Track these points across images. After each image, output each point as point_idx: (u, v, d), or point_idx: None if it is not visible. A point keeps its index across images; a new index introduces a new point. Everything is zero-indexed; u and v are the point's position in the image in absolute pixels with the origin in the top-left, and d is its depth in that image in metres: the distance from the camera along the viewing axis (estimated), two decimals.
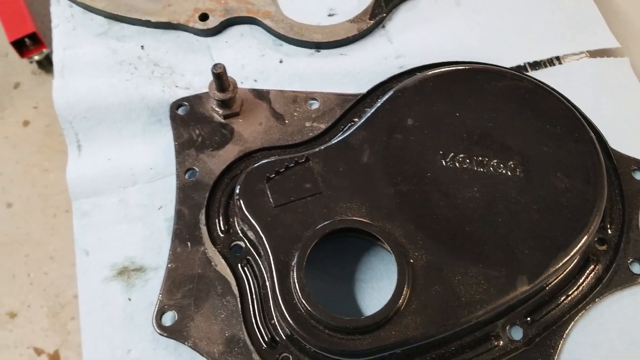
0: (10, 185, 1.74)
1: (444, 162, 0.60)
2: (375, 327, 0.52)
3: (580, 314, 0.59)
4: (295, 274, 0.53)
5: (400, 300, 0.52)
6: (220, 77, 0.63)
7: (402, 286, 0.53)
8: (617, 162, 0.65)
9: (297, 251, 0.54)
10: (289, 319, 0.53)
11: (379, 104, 0.63)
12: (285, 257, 0.55)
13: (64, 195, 1.70)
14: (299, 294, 0.52)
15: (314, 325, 0.53)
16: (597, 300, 0.59)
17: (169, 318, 0.59)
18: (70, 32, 0.78)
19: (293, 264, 0.54)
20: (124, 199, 0.68)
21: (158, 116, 0.72)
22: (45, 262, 1.63)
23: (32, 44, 1.71)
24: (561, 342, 0.57)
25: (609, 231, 0.62)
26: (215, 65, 0.63)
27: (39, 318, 1.55)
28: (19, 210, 1.70)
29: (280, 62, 0.75)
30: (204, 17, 0.77)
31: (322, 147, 0.60)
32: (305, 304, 0.52)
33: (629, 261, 0.61)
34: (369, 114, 0.62)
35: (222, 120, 0.68)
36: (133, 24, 0.78)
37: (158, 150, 0.70)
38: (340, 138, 0.61)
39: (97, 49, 0.76)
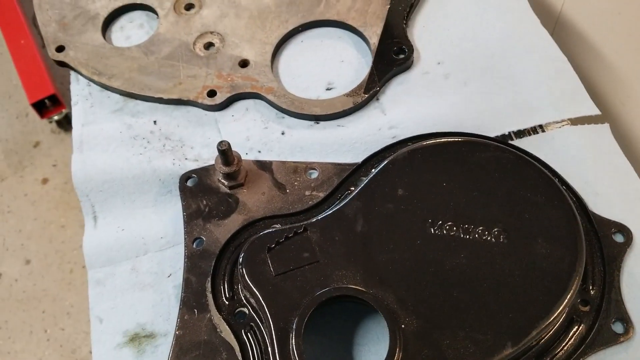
0: (28, 242, 1.81)
1: (432, 230, 0.64)
2: None
3: None
4: (293, 340, 0.57)
5: None
6: (225, 153, 0.69)
7: (394, 350, 0.57)
8: (598, 226, 0.68)
9: (296, 318, 0.58)
10: None
11: (371, 176, 0.68)
12: (284, 324, 0.59)
13: (80, 251, 1.76)
14: (297, 357, 0.56)
15: None
16: None
17: None
18: (88, 109, 0.85)
19: (292, 330, 0.58)
20: (135, 267, 0.73)
21: (169, 187, 0.77)
22: (61, 317, 1.67)
23: (52, 104, 1.80)
24: None
25: (592, 292, 0.65)
26: (220, 143, 0.68)
27: None
28: (36, 266, 1.75)
29: (282, 133, 0.81)
30: (212, 93, 0.83)
31: (319, 217, 0.65)
32: None
33: (611, 321, 0.64)
34: (362, 186, 0.67)
35: (228, 191, 0.74)
36: (146, 101, 0.85)
37: (168, 220, 0.75)
38: (336, 208, 0.66)
39: (113, 125, 0.83)
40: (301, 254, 0.63)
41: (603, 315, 0.64)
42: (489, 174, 0.67)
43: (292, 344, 0.57)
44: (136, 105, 0.85)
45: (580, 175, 0.74)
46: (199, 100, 0.83)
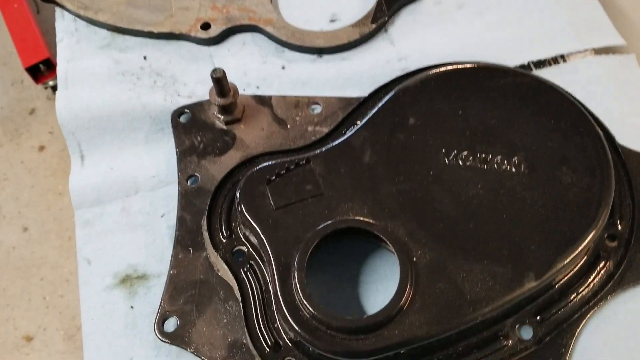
0: (26, 209, 1.76)
1: (446, 160, 0.59)
2: (378, 327, 0.51)
3: (592, 312, 0.57)
4: (296, 274, 0.52)
5: (403, 299, 0.51)
6: (220, 82, 0.64)
7: (404, 285, 0.52)
8: (626, 158, 0.63)
9: (298, 252, 0.53)
10: (291, 321, 0.52)
11: (380, 105, 0.63)
12: (286, 259, 0.54)
13: None
14: (300, 295, 0.51)
15: (317, 326, 0.51)
16: (609, 297, 0.57)
17: (171, 324, 0.59)
18: (74, 45, 0.79)
19: (294, 265, 0.53)
20: (126, 207, 0.68)
21: (160, 125, 0.72)
22: (60, 285, 1.63)
23: (47, 69, 1.74)
24: (573, 340, 0.56)
25: (619, 227, 0.60)
26: (214, 70, 0.63)
27: (55, 341, 1.55)
28: (34, 234, 1.71)
29: (283, 68, 0.75)
30: (205, 26, 0.78)
31: (323, 149, 0.60)
32: (307, 305, 0.51)
33: None
34: (370, 115, 0.62)
35: (224, 127, 0.68)
36: (136, 36, 0.79)
37: (160, 159, 0.70)
38: (342, 139, 0.60)
39: (100, 61, 0.77)
40: (303, 187, 0.57)
41: (632, 251, 0.59)
42: (508, 101, 0.62)
43: (294, 279, 0.52)
44: (125, 41, 0.79)
45: (604, 107, 0.68)
46: (192, 34, 0.77)
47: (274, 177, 0.58)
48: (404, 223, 0.55)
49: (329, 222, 0.55)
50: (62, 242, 1.70)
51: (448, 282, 0.52)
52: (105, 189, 0.69)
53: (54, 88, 1.86)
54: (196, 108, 0.70)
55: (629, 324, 0.57)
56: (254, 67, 0.76)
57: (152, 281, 0.63)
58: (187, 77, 0.76)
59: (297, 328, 0.51)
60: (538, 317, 0.56)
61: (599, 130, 0.60)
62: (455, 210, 0.56)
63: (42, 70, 1.74)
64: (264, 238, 0.55)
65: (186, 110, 0.70)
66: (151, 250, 0.65)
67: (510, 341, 0.55)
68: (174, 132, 0.69)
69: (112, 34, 0.80)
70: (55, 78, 1.82)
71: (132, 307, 0.62)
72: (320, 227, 0.54)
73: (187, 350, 0.57)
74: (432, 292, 0.52)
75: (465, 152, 0.59)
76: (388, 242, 0.54)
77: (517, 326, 0.56)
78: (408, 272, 0.52)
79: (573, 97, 0.65)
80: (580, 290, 0.57)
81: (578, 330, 0.56)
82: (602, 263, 0.58)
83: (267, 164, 0.59)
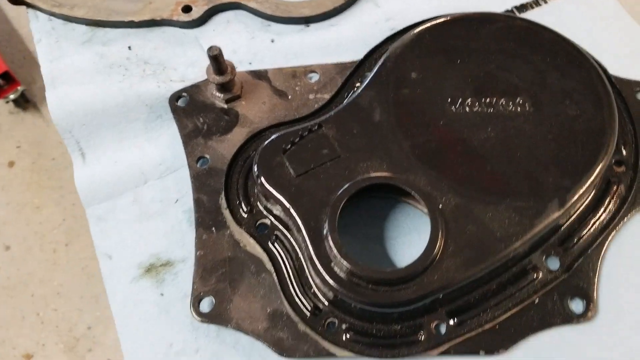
0: (4, 227, 1.72)
1: (453, 109, 0.60)
2: (417, 274, 0.52)
3: (612, 235, 0.59)
4: (330, 235, 0.53)
5: (437, 245, 0.53)
6: (217, 59, 0.63)
7: (436, 231, 0.53)
8: (620, 87, 0.65)
9: (327, 214, 0.54)
10: (330, 281, 0.53)
11: (381, 63, 0.63)
12: (315, 223, 0.55)
13: (61, 229, 1.69)
14: (337, 254, 0.52)
15: (357, 282, 0.52)
16: (625, 219, 0.60)
17: (206, 304, 0.59)
18: (53, 44, 0.77)
19: (325, 227, 0.54)
20: (137, 198, 0.67)
21: (157, 112, 0.71)
22: (52, 298, 1.61)
23: (6, 83, 1.69)
24: (599, 264, 0.58)
25: (624, 153, 0.62)
26: (210, 48, 0.62)
27: (56, 355, 1.53)
28: (17, 251, 1.67)
29: (272, 41, 0.75)
30: (187, 9, 0.77)
31: (333, 113, 0.60)
32: (346, 263, 0.52)
33: None
34: (373, 74, 0.62)
35: (224, 105, 0.68)
36: (116, 27, 0.78)
37: (164, 146, 0.70)
38: (349, 101, 0.61)
39: (83, 57, 0.76)
40: (320, 151, 0.58)
41: None
42: (503, 45, 0.63)
43: (328, 240, 0.53)
44: (106, 34, 0.78)
45: (589, 42, 0.70)
46: (174, 18, 0.76)
47: (289, 146, 0.58)
48: (424, 174, 0.56)
49: (354, 181, 0.55)
50: (47, 255, 1.67)
51: (476, 223, 0.54)
52: (113, 183, 0.68)
53: (15, 101, 1.81)
54: (193, 90, 0.69)
55: None
56: (243, 44, 0.75)
57: (178, 267, 0.63)
58: (176, 62, 0.75)
59: (338, 287, 0.52)
60: (562, 247, 0.58)
61: (594, 63, 0.62)
62: (471, 155, 0.57)
63: (1, 84, 1.69)
64: (289, 207, 0.56)
65: (183, 94, 0.69)
66: (171, 236, 0.65)
67: (540, 273, 0.57)
68: (174, 116, 0.68)
69: (92, 29, 0.78)
70: (16, 90, 1.78)
71: (162, 294, 0.62)
72: (345, 187, 0.55)
73: (227, 327, 0.58)
74: (463, 235, 0.53)
75: (470, 100, 0.60)
76: (414, 194, 0.55)
77: (544, 258, 0.58)
78: (437, 219, 0.53)
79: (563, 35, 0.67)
80: (598, 216, 0.59)
81: (602, 253, 0.58)
82: (614, 188, 0.61)
83: (279, 133, 0.59)
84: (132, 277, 0.63)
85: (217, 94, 0.67)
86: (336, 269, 0.53)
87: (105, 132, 0.70)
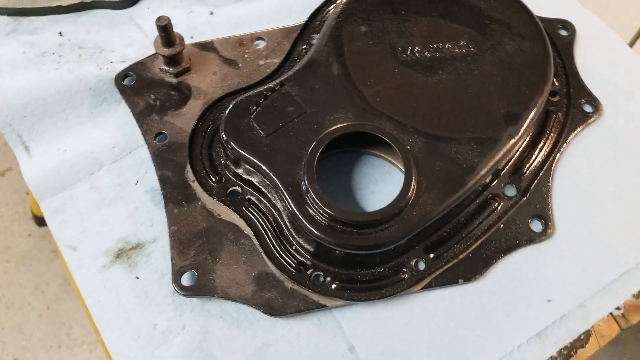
0: None
1: (405, 57, 0.63)
2: (398, 213, 0.54)
3: (557, 158, 0.65)
4: (310, 187, 0.54)
5: (412, 183, 0.55)
6: (167, 30, 0.62)
7: (410, 170, 0.56)
8: (545, 25, 0.71)
9: (305, 167, 0.55)
10: (316, 232, 0.54)
11: (330, 21, 0.65)
12: (292, 178, 0.56)
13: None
14: (320, 203, 0.53)
15: (341, 229, 0.54)
16: (566, 143, 0.66)
17: (188, 278, 0.58)
18: None
19: (304, 180, 0.55)
20: (94, 185, 0.65)
21: (102, 95, 0.68)
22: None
23: None
24: (550, 185, 0.63)
25: (557, 84, 0.68)
26: (159, 18, 0.61)
27: None
28: None
29: (211, 14, 0.74)
30: None
31: (292, 72, 0.61)
32: (330, 211, 0.53)
33: (581, 103, 0.68)
34: (324, 32, 0.64)
35: (174, 80, 0.67)
36: (42, 14, 0.74)
37: (114, 128, 0.67)
38: (307, 58, 0.62)
39: (10, 48, 0.71)
40: (286, 109, 0.59)
41: (573, 100, 0.68)
42: None
43: (310, 192, 0.54)
44: (31, 22, 0.74)
45: None
46: None
47: (255, 107, 0.58)
48: (388, 119, 0.59)
49: (326, 132, 0.57)
50: None
51: (443, 159, 0.57)
52: (64, 173, 0.64)
53: None
54: (139, 68, 0.68)
55: (588, 157, 0.66)
56: (182, 19, 0.74)
57: (150, 247, 0.62)
58: (113, 43, 0.73)
59: (324, 237, 0.53)
60: (517, 175, 0.63)
61: (522, 2, 0.67)
62: (428, 98, 0.60)
63: None
64: (263, 166, 0.56)
65: (129, 72, 0.67)
66: (137, 218, 0.63)
67: (501, 201, 0.62)
68: (123, 96, 0.66)
69: (15, 19, 0.74)
70: None
71: (137, 277, 0.60)
72: (319, 138, 0.56)
73: (214, 297, 0.57)
74: (433, 171, 0.56)
75: (418, 47, 0.64)
76: (384, 138, 0.57)
77: (502, 186, 0.62)
78: (409, 159, 0.56)
79: None
80: (543, 142, 0.65)
81: (551, 176, 0.64)
82: (553, 116, 0.66)
83: (243, 97, 0.59)
84: (102, 265, 0.61)
85: (166, 68, 0.66)
86: (319, 218, 0.54)
87: (48, 122, 0.67)
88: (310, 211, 0.54)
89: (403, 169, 0.56)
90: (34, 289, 1.55)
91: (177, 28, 0.73)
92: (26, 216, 1.65)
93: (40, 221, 1.60)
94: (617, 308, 0.59)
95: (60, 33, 0.73)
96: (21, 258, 1.59)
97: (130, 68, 0.67)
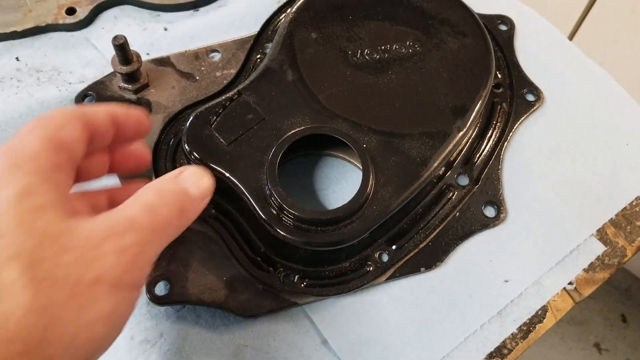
0: None
1: (355, 60, 0.66)
2: (358, 208, 0.57)
3: (504, 146, 0.69)
4: (273, 190, 0.56)
5: (370, 179, 0.58)
6: (124, 48, 0.64)
7: (367, 167, 0.59)
8: (485, 21, 0.75)
9: (267, 171, 0.57)
10: (282, 233, 0.56)
11: (282, 29, 0.67)
12: (255, 183, 0.58)
13: None
14: (284, 205, 0.56)
15: (307, 228, 0.56)
16: (512, 131, 0.70)
17: (161, 288, 0.60)
18: None
19: (267, 183, 0.57)
20: None
21: None
22: None
23: None
24: (499, 172, 0.67)
25: (499, 76, 0.72)
26: (115, 37, 0.63)
27: None
28: None
29: (165, 29, 0.76)
30: (71, 11, 0.75)
31: (248, 81, 0.63)
32: (295, 212, 0.56)
33: (524, 93, 0.72)
34: (277, 40, 0.66)
35: (134, 97, 0.69)
36: None
37: None
38: (262, 67, 0.64)
39: None
40: (245, 117, 0.61)
41: (516, 91, 0.72)
42: None
43: (273, 194, 0.56)
44: None
45: None
46: (60, 22, 0.75)
47: (215, 118, 0.60)
48: (343, 120, 0.61)
49: (285, 136, 0.59)
50: None
51: (398, 154, 0.60)
52: None
53: None
54: (98, 87, 0.69)
55: (534, 143, 0.70)
56: (137, 37, 0.76)
57: None
58: (70, 65, 0.74)
59: (291, 237, 0.56)
60: (468, 165, 0.67)
61: (462, 1, 0.71)
62: (380, 97, 0.64)
63: None
64: (227, 173, 0.58)
65: (89, 92, 0.69)
66: None
67: (456, 191, 0.65)
68: None
69: None
70: None
71: None
72: (279, 142, 0.59)
73: (188, 304, 0.59)
74: (389, 167, 0.59)
75: (367, 49, 0.67)
76: (341, 138, 0.60)
77: (455, 176, 0.66)
78: (366, 156, 0.59)
79: None
80: (491, 132, 0.69)
81: (500, 164, 0.68)
82: (499, 107, 0.70)
83: (202, 108, 0.61)
84: None
85: (125, 85, 0.68)
86: (285, 219, 0.57)
87: None
88: (275, 213, 0.57)
89: (361, 167, 0.59)
90: None
91: (133, 45, 0.74)
92: None
93: None
94: (570, 283, 0.63)
95: (17, 58, 0.73)
96: None
97: (89, 88, 0.69)
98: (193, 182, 0.48)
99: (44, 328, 0.34)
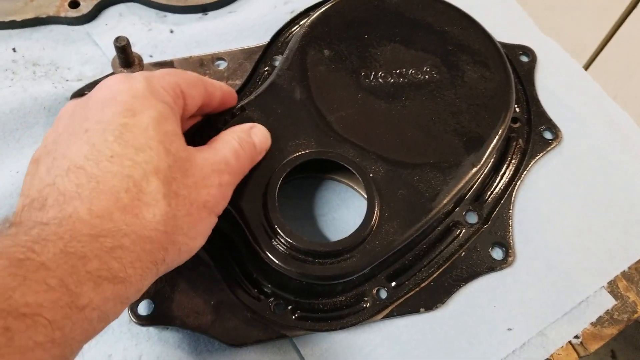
0: None
1: (368, 82, 0.63)
2: (360, 242, 0.54)
3: (517, 185, 0.65)
4: (271, 215, 0.53)
5: (375, 211, 0.55)
6: (125, 51, 0.60)
7: (372, 199, 0.55)
8: (506, 51, 0.72)
9: (267, 195, 0.54)
10: (277, 262, 0.52)
11: (293, 43, 0.64)
12: (252, 204, 0.54)
13: None
14: (282, 232, 0.52)
15: (303, 258, 0.53)
16: (527, 169, 0.66)
17: (145, 307, 0.56)
18: None
19: (267, 208, 0.53)
20: None
21: (57, 114, 0.66)
22: None
23: None
24: (510, 213, 0.64)
25: (517, 110, 0.69)
26: (117, 39, 0.59)
27: None
28: None
29: (171, 32, 0.73)
30: (74, 4, 0.72)
31: (254, 95, 0.60)
32: (291, 240, 0.52)
33: (541, 130, 0.69)
34: (288, 55, 0.63)
35: None
36: None
37: None
38: (269, 82, 0.61)
39: None
40: None
41: (534, 127, 0.68)
42: (403, 18, 0.67)
43: (270, 220, 0.53)
44: None
45: (474, 13, 0.76)
46: (62, 15, 0.71)
47: (215, 134, 0.57)
48: (351, 145, 0.58)
49: (286, 160, 0.56)
50: None
51: (406, 187, 0.57)
52: (17, 195, 0.62)
53: None
54: None
55: (548, 184, 0.67)
56: (141, 37, 0.72)
57: None
58: (69, 60, 0.70)
59: (285, 267, 0.52)
60: (478, 202, 0.63)
61: (485, 28, 0.67)
62: (391, 124, 0.60)
63: None
64: None
65: (86, 91, 0.65)
66: None
67: (463, 228, 0.62)
68: None
69: None
70: None
71: None
72: (280, 166, 0.55)
73: (171, 326, 0.56)
74: (396, 200, 0.56)
75: (382, 72, 0.63)
76: (346, 165, 0.56)
77: (463, 214, 0.62)
78: (371, 187, 0.55)
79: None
80: (504, 169, 0.65)
81: (512, 203, 0.64)
82: (514, 143, 0.67)
83: (202, 120, 0.58)
84: None
85: None
86: (280, 248, 0.53)
87: (0, 142, 0.64)
88: (270, 239, 0.53)
89: (365, 196, 0.56)
90: None
91: (136, 46, 0.71)
92: None
93: None
94: (576, 336, 0.60)
95: (13, 49, 0.70)
96: None
97: (87, 86, 0.65)
98: (260, 138, 0.54)
99: (171, 232, 0.42)
